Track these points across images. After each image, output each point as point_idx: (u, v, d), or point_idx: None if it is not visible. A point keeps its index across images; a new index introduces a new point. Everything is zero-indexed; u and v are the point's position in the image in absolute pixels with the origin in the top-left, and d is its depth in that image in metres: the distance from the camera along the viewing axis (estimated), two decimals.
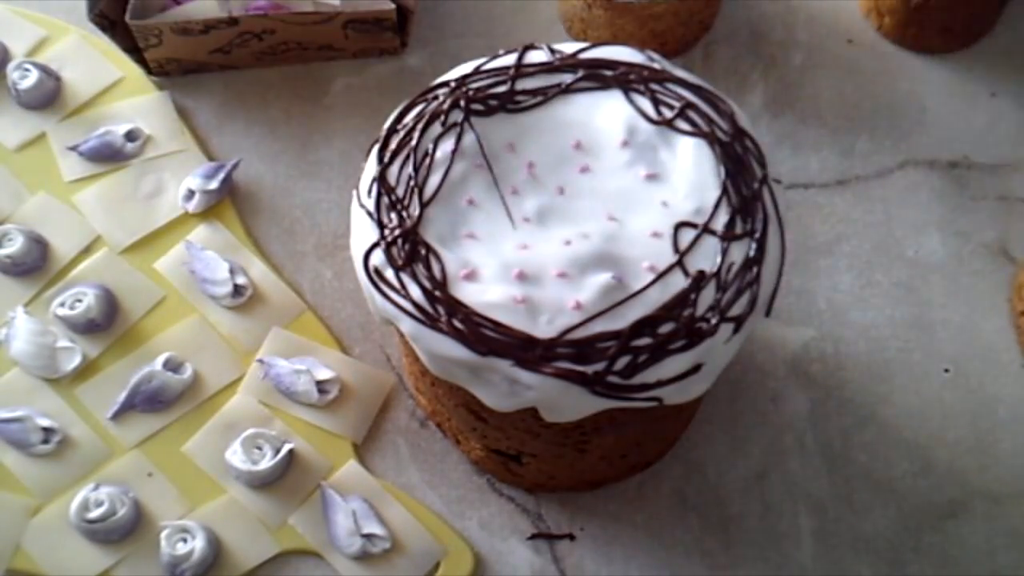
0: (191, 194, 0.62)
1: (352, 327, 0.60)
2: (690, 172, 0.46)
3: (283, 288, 0.61)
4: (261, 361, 0.58)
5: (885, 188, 0.63)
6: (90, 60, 0.67)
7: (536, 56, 0.49)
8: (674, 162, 0.46)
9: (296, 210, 0.63)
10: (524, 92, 0.48)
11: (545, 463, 0.53)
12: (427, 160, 0.46)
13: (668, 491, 0.56)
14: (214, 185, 0.62)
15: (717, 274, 0.43)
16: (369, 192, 0.46)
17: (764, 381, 0.59)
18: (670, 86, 0.48)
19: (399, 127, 0.47)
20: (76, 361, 0.58)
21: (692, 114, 0.47)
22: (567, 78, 0.48)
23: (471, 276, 0.43)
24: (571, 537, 0.55)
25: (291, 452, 0.55)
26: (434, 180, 0.45)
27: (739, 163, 0.46)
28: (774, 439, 0.58)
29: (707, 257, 0.44)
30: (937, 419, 0.58)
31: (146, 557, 0.54)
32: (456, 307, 0.42)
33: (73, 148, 0.64)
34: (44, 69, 0.65)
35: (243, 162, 0.64)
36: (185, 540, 0.54)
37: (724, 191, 0.45)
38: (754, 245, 0.44)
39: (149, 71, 0.66)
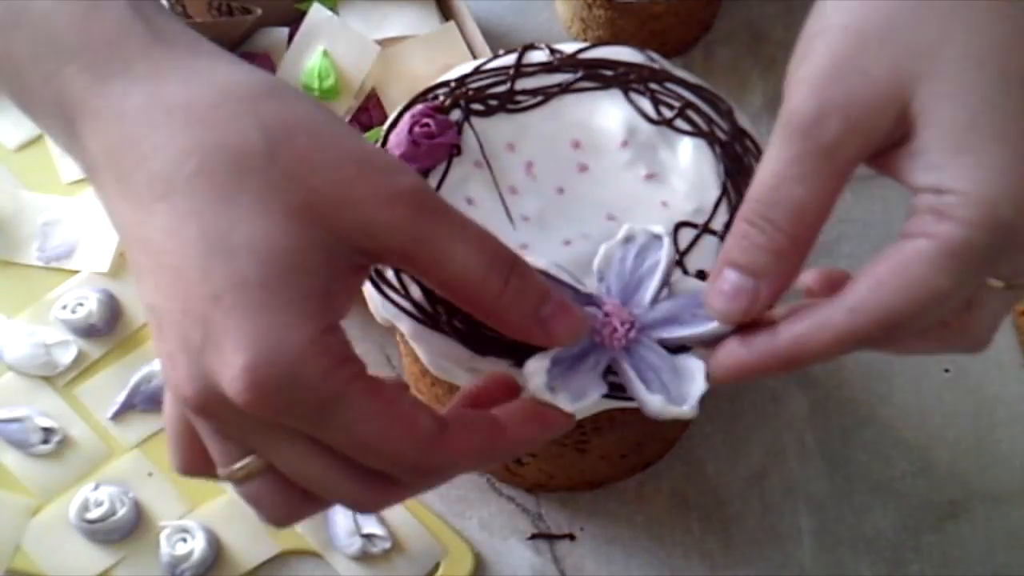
0: None
1: (352, 327, 0.60)
2: (690, 172, 0.46)
3: None
4: None
5: (885, 188, 0.63)
6: None
7: (536, 56, 0.49)
8: (674, 162, 0.46)
9: None
10: (524, 92, 0.48)
11: (545, 463, 0.53)
12: None
13: (668, 491, 0.56)
14: None
15: None
16: None
17: (764, 381, 0.59)
18: (670, 86, 0.48)
19: None
20: (72, 354, 0.58)
21: (692, 114, 0.47)
22: (567, 78, 0.48)
23: None
24: (571, 537, 0.55)
25: None
26: (433, 180, 0.45)
27: (739, 163, 0.46)
28: (774, 439, 0.58)
29: (707, 257, 0.44)
30: (937, 419, 0.58)
31: (146, 557, 0.54)
32: (456, 307, 0.42)
33: None
34: None
35: None
36: (185, 540, 0.54)
37: (724, 191, 0.45)
38: None
39: None
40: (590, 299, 0.38)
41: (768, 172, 0.34)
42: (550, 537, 0.55)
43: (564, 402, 0.37)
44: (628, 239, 0.39)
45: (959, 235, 0.31)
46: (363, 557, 0.54)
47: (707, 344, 0.37)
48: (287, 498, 0.34)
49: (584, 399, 0.37)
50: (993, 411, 0.58)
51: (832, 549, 0.55)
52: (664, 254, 0.39)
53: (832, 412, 0.58)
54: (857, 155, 0.33)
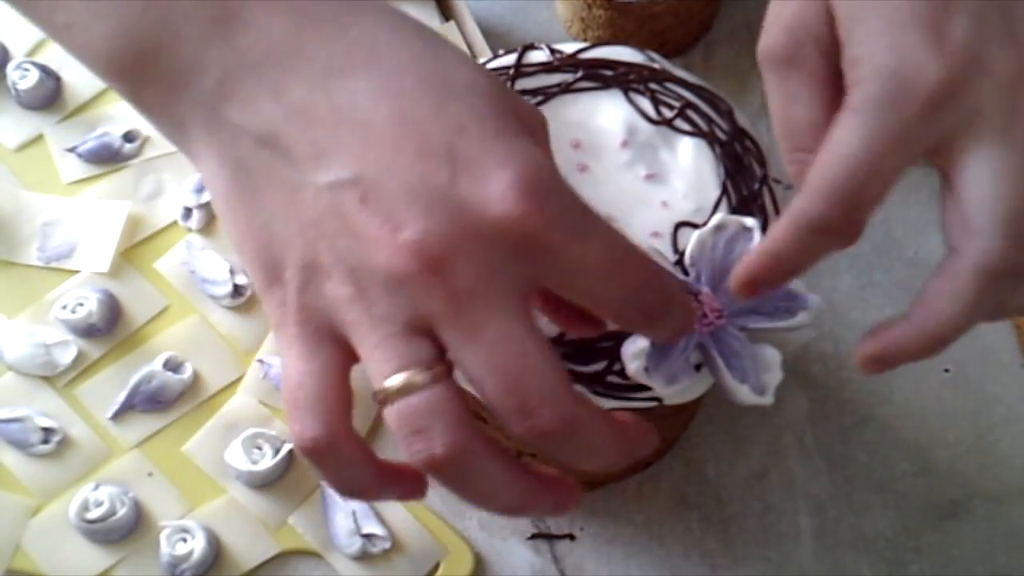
0: (188, 212, 0.61)
1: None
2: (690, 172, 0.46)
3: None
4: (261, 361, 0.58)
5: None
6: None
7: (536, 56, 0.49)
8: (674, 162, 0.46)
9: None
10: (524, 92, 0.48)
11: (545, 463, 0.53)
12: None
13: (668, 491, 0.56)
14: (208, 198, 0.61)
15: None
16: None
17: None
18: (670, 86, 0.48)
19: None
20: (72, 354, 0.58)
21: (692, 114, 0.47)
22: (567, 78, 0.48)
23: None
24: (571, 537, 0.55)
25: (291, 452, 0.55)
26: None
27: (739, 163, 0.46)
28: (774, 439, 0.58)
29: None
30: (937, 419, 0.58)
31: (146, 557, 0.54)
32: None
33: (71, 150, 0.64)
34: (44, 69, 0.65)
35: None
36: (185, 540, 0.54)
37: (724, 191, 0.45)
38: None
39: None
40: (685, 286, 0.40)
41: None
42: (550, 537, 0.55)
43: (659, 384, 0.39)
44: (719, 228, 0.41)
45: None
46: (363, 557, 0.54)
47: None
48: (461, 415, 0.32)
49: (676, 383, 0.39)
50: (993, 411, 0.58)
51: (832, 549, 0.55)
52: (754, 245, 0.40)
53: (832, 412, 0.58)
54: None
